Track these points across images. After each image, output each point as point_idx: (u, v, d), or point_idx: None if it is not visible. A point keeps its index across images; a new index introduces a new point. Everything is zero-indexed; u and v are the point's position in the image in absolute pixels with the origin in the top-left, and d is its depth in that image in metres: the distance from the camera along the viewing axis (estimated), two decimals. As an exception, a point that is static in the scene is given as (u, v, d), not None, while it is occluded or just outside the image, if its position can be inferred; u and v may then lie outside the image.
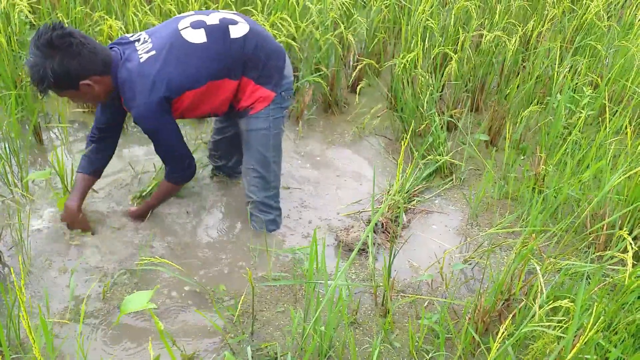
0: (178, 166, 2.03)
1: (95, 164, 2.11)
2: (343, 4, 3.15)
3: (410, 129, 2.58)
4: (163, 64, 1.80)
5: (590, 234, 2.19)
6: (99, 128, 2.09)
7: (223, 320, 1.78)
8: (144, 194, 2.29)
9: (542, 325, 1.53)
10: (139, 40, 1.87)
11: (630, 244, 1.43)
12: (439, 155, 2.57)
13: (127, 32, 2.75)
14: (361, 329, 1.83)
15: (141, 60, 1.81)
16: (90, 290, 1.87)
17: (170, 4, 2.83)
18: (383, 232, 2.26)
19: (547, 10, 3.22)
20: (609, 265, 1.88)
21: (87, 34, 2.79)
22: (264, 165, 2.09)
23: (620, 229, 2.15)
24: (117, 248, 2.06)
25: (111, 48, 1.88)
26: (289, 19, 2.79)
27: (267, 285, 1.95)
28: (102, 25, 2.66)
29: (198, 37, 1.85)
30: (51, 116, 2.78)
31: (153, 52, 1.81)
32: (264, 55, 1.94)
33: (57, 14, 2.86)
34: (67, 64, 1.72)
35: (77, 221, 2.08)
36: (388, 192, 2.42)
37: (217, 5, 3.05)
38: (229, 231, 2.23)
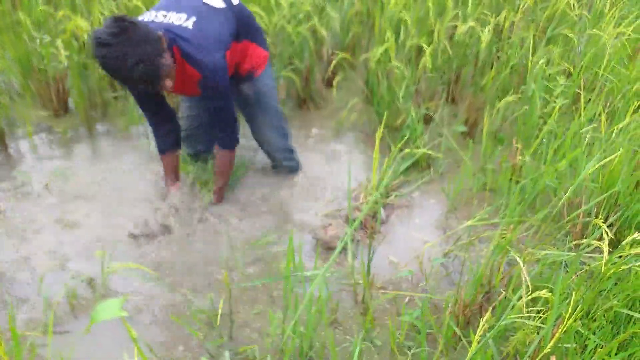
0: (234, 129, 2.11)
1: (170, 142, 2.17)
2: (314, -3, 3.11)
3: (383, 122, 2.55)
4: (209, 25, 1.86)
5: (567, 222, 2.19)
6: (151, 120, 2.13)
7: (200, 324, 1.73)
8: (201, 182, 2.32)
9: (522, 317, 1.52)
10: (157, 17, 1.86)
11: (606, 231, 1.42)
12: (417, 148, 2.55)
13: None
14: (341, 328, 1.80)
15: (189, 27, 1.82)
16: (61, 297, 1.81)
17: (137, 1, 2.75)
18: (362, 229, 2.23)
19: (519, 0, 3.23)
20: (586, 253, 1.88)
21: (51, 33, 2.71)
22: (279, 117, 2.32)
23: (596, 216, 2.16)
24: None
25: None
26: (261, 13, 2.73)
27: (243, 286, 1.91)
28: (66, 24, 2.58)
29: (218, 3, 1.94)
30: (16, 120, 2.69)
31: (193, 18, 1.84)
32: (253, 18, 2.12)
33: (17, 13, 2.76)
34: (152, 48, 1.70)
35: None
36: (366, 188, 2.40)
37: None
38: (199, 226, 2.18)
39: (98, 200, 2.28)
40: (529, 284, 1.82)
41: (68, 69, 2.67)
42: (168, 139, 2.17)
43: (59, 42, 2.50)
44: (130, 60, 1.64)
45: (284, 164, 2.48)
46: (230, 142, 2.13)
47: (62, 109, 2.78)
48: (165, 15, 1.85)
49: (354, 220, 2.21)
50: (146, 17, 1.87)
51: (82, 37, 2.57)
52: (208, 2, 1.92)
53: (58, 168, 2.40)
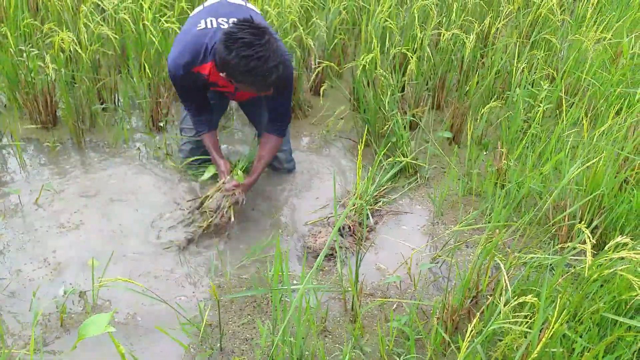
0: (290, 118, 2.32)
1: (210, 124, 2.30)
2: (302, 6, 3.14)
3: (366, 131, 2.58)
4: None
5: (553, 225, 2.22)
6: (194, 110, 2.24)
7: (189, 336, 1.74)
8: (242, 168, 2.36)
9: (509, 322, 1.54)
10: (211, 24, 2.03)
11: (589, 236, 1.45)
12: (403, 155, 2.57)
13: (79, 44, 2.67)
14: (331, 336, 1.81)
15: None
16: (50, 312, 1.80)
17: (124, 13, 2.76)
18: (350, 236, 2.25)
19: (503, 6, 3.27)
20: (572, 255, 1.91)
21: (37, 46, 2.71)
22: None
23: (581, 218, 2.19)
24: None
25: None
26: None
27: (231, 297, 1.92)
28: (52, 37, 2.58)
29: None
30: (3, 134, 2.68)
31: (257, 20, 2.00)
32: None
33: (2, 26, 2.76)
34: (284, 52, 1.99)
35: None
36: (354, 195, 2.42)
37: (172, 12, 2.99)
38: (173, 237, 2.19)
39: (88, 212, 2.28)
40: (516, 287, 1.86)
41: (56, 82, 2.67)
42: (209, 122, 2.29)
43: (47, 56, 2.50)
44: (272, 61, 1.81)
45: (285, 165, 2.55)
46: (284, 130, 2.31)
47: (51, 121, 2.77)
48: (212, 24, 2.03)
49: (341, 228, 2.22)
50: (221, 24, 2.03)
51: (68, 49, 2.57)
52: (242, 3, 2.17)
53: (47, 181, 2.39)
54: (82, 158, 2.60)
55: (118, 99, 2.96)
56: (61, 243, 2.12)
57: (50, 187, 2.34)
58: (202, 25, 2.04)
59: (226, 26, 1.99)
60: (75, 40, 2.58)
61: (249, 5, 2.27)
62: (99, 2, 2.83)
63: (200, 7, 2.20)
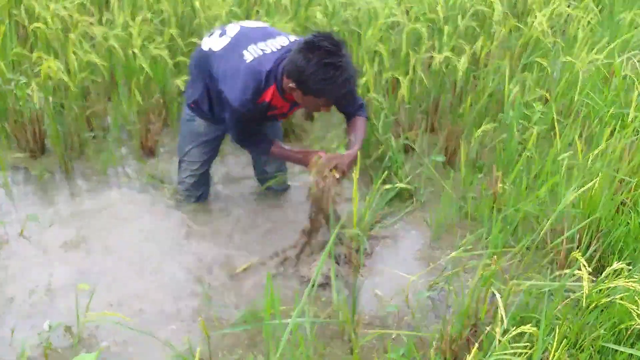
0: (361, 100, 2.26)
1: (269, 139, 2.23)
2: (293, 30, 3.13)
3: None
4: None
5: (551, 250, 2.18)
6: (252, 136, 2.20)
7: (179, 373, 1.67)
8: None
9: (507, 353, 1.49)
10: (273, 45, 2.04)
11: (584, 265, 1.41)
12: (399, 179, 2.53)
13: (68, 72, 2.65)
14: (327, 369, 1.76)
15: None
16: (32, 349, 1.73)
17: (113, 41, 2.74)
18: (346, 264, 2.20)
19: (494, 28, 3.28)
20: (572, 281, 1.86)
21: (26, 75, 2.69)
22: (281, 137, 2.51)
23: (579, 242, 2.15)
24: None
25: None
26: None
27: (223, 332, 1.85)
28: (41, 65, 2.55)
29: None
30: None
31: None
32: None
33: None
34: None
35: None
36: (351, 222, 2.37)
37: (161, 38, 2.98)
38: (167, 266, 2.13)
39: (75, 242, 2.23)
40: (515, 314, 1.81)
41: (43, 110, 2.63)
42: (269, 138, 2.21)
43: (33, 84, 2.47)
44: (348, 73, 1.86)
45: (281, 186, 2.58)
46: (364, 111, 2.24)
47: (39, 150, 2.73)
48: (273, 43, 2.04)
49: (337, 256, 2.18)
50: (264, 49, 2.02)
51: (56, 77, 2.55)
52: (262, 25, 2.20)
53: (33, 213, 2.34)
54: (71, 187, 2.55)
55: (108, 126, 2.93)
56: (47, 274, 2.06)
57: (35, 218, 2.28)
58: (248, 56, 1.99)
59: (269, 50, 2.00)
60: (63, 69, 2.55)
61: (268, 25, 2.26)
62: (87, 30, 2.82)
63: (221, 40, 2.10)
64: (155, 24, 3.05)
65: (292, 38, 2.09)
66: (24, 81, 2.57)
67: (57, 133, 2.55)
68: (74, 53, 2.65)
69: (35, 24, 2.77)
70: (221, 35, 2.11)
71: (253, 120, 2.09)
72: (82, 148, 2.77)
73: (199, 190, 2.47)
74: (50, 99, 2.55)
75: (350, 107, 2.21)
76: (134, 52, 2.77)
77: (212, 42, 2.11)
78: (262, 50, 2.01)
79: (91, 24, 2.86)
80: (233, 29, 2.12)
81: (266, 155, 2.32)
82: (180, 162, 2.42)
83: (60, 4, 2.94)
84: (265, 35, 2.07)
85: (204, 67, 2.13)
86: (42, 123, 2.67)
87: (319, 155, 2.03)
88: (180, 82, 2.72)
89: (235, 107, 1.99)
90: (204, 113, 2.24)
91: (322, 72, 1.82)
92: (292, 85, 1.92)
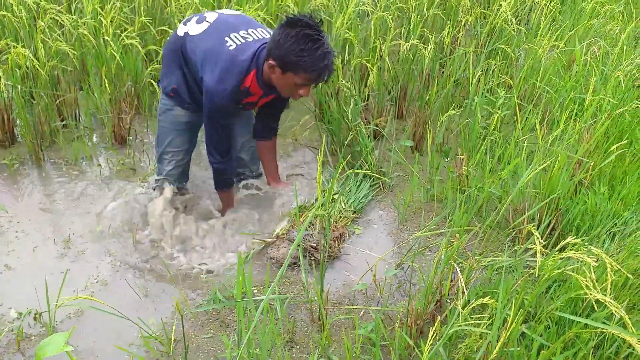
0: None
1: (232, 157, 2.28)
2: (264, 19, 3.16)
3: (331, 139, 2.60)
4: None
5: (513, 229, 2.28)
6: (227, 149, 2.21)
7: (154, 352, 1.71)
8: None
9: (468, 324, 1.57)
10: (254, 34, 2.05)
11: (538, 237, 1.49)
12: (368, 164, 2.60)
13: (37, 60, 2.63)
14: (298, 346, 1.81)
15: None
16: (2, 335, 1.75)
17: (83, 29, 2.73)
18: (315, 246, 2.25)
19: (461, 17, 3.36)
20: (531, 257, 1.96)
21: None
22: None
23: (540, 221, 2.25)
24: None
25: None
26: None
27: (195, 310, 1.90)
28: (8, 53, 2.53)
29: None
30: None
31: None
32: None
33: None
34: None
35: None
36: (313, 205, 2.43)
37: (132, 27, 2.98)
38: (137, 252, 2.16)
39: (44, 231, 2.23)
40: (478, 290, 1.90)
41: (12, 99, 2.61)
42: (231, 156, 2.26)
43: (0, 72, 2.45)
44: (327, 47, 1.89)
45: (254, 173, 2.59)
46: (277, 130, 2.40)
47: (8, 139, 2.71)
48: (254, 32, 2.06)
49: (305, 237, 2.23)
50: (246, 37, 2.03)
51: (24, 64, 2.53)
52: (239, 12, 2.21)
53: (1, 203, 2.33)
54: (41, 176, 2.55)
55: (79, 115, 2.92)
56: (16, 263, 2.06)
57: (2, 208, 2.27)
58: (230, 43, 2.00)
59: (251, 38, 2.03)
60: (32, 57, 2.53)
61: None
62: (57, 18, 2.79)
63: (199, 26, 2.08)
64: (125, 12, 3.04)
65: (264, 33, 2.10)
66: (-9, 69, 2.55)
67: (27, 122, 2.54)
68: (43, 41, 2.63)
69: (1, 12, 2.74)
70: (199, 21, 2.09)
71: (231, 110, 2.08)
72: (53, 137, 2.76)
73: (183, 179, 2.46)
74: (19, 87, 2.53)
75: (276, 123, 2.36)
76: (104, 40, 2.76)
77: (189, 28, 2.09)
78: (243, 38, 2.02)
79: (59, 11, 2.84)
80: (212, 15, 2.11)
81: (214, 185, 2.36)
82: (162, 154, 2.35)
83: (27, -9, 2.91)
84: (246, 23, 2.08)
85: (178, 51, 2.11)
86: (11, 112, 2.65)
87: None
88: (152, 70, 2.72)
89: (214, 95, 1.99)
90: (184, 101, 2.20)
91: (301, 42, 1.83)
92: (271, 62, 1.91)
